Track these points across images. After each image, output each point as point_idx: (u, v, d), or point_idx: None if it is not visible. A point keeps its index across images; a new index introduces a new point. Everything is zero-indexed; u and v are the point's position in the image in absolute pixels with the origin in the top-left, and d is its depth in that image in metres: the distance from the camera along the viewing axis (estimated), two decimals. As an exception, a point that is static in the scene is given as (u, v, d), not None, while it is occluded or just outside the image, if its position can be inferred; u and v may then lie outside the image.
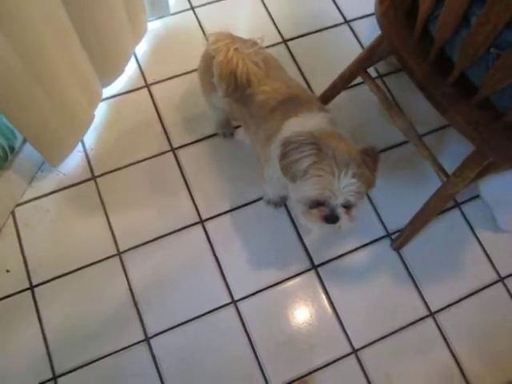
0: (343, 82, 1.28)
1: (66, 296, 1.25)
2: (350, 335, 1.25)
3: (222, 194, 1.38)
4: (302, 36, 1.61)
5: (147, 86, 1.50)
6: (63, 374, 1.18)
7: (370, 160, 0.92)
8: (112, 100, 1.48)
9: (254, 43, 1.10)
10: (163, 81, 1.51)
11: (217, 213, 1.36)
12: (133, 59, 1.53)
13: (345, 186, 0.87)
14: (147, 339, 1.22)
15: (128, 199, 1.36)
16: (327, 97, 1.36)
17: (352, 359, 1.23)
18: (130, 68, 1.52)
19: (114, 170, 1.39)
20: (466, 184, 1.02)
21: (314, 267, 1.32)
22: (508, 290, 1.33)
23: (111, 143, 1.42)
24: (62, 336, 1.21)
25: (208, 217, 1.35)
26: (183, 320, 1.24)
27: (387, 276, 1.32)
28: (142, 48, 1.55)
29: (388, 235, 1.36)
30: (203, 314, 1.25)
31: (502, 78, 0.75)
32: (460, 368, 1.24)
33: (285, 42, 1.59)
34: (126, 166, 1.39)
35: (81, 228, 1.32)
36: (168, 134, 1.44)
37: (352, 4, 1.66)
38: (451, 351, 1.26)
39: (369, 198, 1.40)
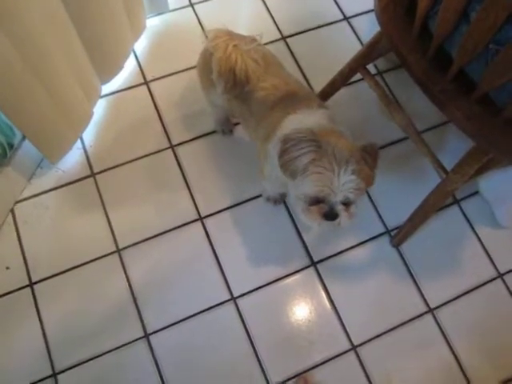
0: (342, 79, 1.28)
1: (65, 293, 1.25)
2: (349, 331, 1.25)
3: (221, 190, 1.38)
4: (302, 33, 1.61)
5: (146, 82, 1.50)
6: (63, 371, 1.18)
7: (369, 157, 0.92)
8: (111, 97, 1.47)
9: (253, 40, 1.09)
10: (162, 77, 1.51)
11: (216, 210, 1.36)
12: (132, 56, 1.53)
13: (344, 182, 0.87)
14: (147, 336, 1.22)
15: (127, 196, 1.36)
16: (326, 93, 1.35)
17: (351, 355, 1.23)
18: (129, 65, 1.51)
19: (114, 167, 1.39)
20: (465, 180, 1.02)
21: (314, 264, 1.32)
22: (507, 287, 1.33)
23: (110, 140, 1.42)
24: (62, 333, 1.21)
25: (207, 214, 1.35)
26: (183, 317, 1.24)
27: (386, 272, 1.32)
28: (140, 45, 1.54)
29: (387, 232, 1.37)
30: (202, 311, 1.25)
31: (501, 74, 0.75)
32: (459, 364, 1.24)
33: (284, 38, 1.59)
34: (125, 163, 1.39)
35: (80, 225, 1.32)
36: (167, 131, 1.44)
37: (351, 0, 1.66)
38: (450, 347, 1.26)
39: (368, 194, 1.40)
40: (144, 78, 1.51)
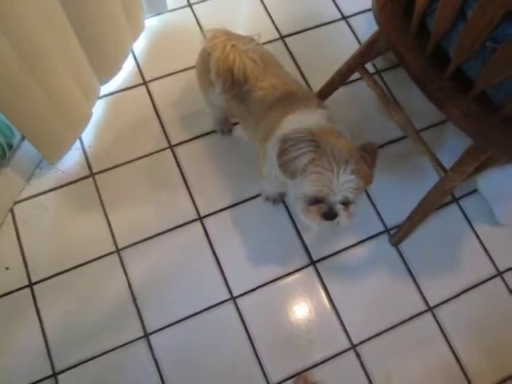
0: (341, 78, 1.28)
1: (65, 293, 1.25)
2: (348, 330, 1.25)
3: (220, 190, 1.38)
4: (300, 32, 1.61)
5: (145, 83, 1.50)
6: (63, 371, 1.18)
7: (368, 156, 0.92)
8: (110, 97, 1.48)
9: (251, 40, 1.09)
10: (161, 78, 1.51)
11: (215, 209, 1.36)
12: (130, 56, 1.53)
13: (343, 182, 0.87)
14: (146, 336, 1.22)
15: (126, 196, 1.36)
16: (325, 93, 1.36)
17: (351, 354, 1.23)
18: (128, 65, 1.52)
19: (113, 168, 1.39)
20: (463, 179, 1.02)
21: (313, 263, 1.32)
22: (506, 284, 1.33)
23: (109, 140, 1.42)
24: (62, 333, 1.22)
25: (207, 213, 1.35)
26: (182, 316, 1.24)
27: (386, 271, 1.32)
28: (139, 45, 1.54)
29: (386, 231, 1.37)
30: (202, 311, 1.25)
31: (499, 72, 0.75)
32: (459, 362, 1.25)
33: (282, 38, 1.59)
34: (124, 163, 1.39)
35: (79, 225, 1.32)
36: (166, 131, 1.44)
37: (349, 0, 1.66)
38: (450, 346, 1.26)
39: (367, 193, 1.40)
40: (143, 78, 1.51)
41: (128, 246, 1.30)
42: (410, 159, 1.44)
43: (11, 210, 1.32)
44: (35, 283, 1.25)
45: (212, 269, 1.29)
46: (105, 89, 1.47)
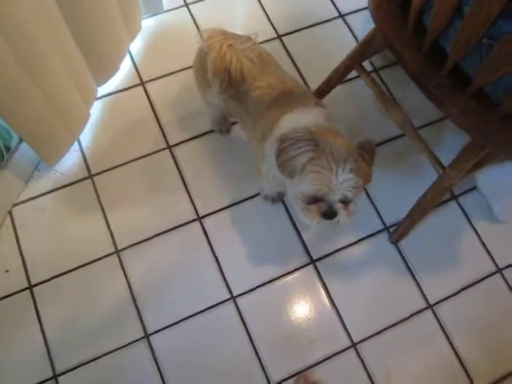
0: (338, 76, 1.28)
1: (65, 295, 1.25)
2: (349, 329, 1.25)
3: (219, 190, 1.38)
4: (297, 31, 1.61)
5: (142, 83, 1.50)
6: (63, 373, 1.18)
7: (366, 154, 0.92)
8: (107, 98, 1.47)
9: (248, 39, 1.09)
10: (158, 78, 1.51)
11: (214, 209, 1.36)
12: (127, 57, 1.52)
13: (342, 181, 0.87)
14: (147, 336, 1.22)
15: (125, 197, 1.36)
16: (323, 91, 1.35)
17: (351, 353, 1.24)
18: (125, 66, 1.51)
19: (111, 169, 1.39)
20: (462, 176, 1.02)
21: (313, 262, 1.32)
22: (506, 281, 1.33)
23: (107, 142, 1.42)
24: (62, 334, 1.22)
25: (205, 213, 1.35)
26: (182, 317, 1.24)
27: (385, 269, 1.32)
28: (136, 46, 1.54)
29: (386, 229, 1.37)
30: (202, 311, 1.25)
31: (496, 69, 0.75)
32: (459, 359, 1.25)
33: (279, 37, 1.59)
34: (122, 164, 1.39)
35: (78, 227, 1.32)
36: (164, 132, 1.44)
37: (346, -2, 1.66)
38: (450, 343, 1.26)
39: (366, 191, 1.40)
40: (140, 78, 1.50)
41: (127, 247, 1.30)
42: (409, 157, 1.44)
43: (10, 213, 1.32)
44: (35, 285, 1.25)
45: (212, 269, 1.29)
46: (102, 90, 1.47)
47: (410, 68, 0.91)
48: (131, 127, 1.44)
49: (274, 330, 1.25)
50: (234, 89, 1.07)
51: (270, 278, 1.29)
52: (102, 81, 1.44)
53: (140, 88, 1.49)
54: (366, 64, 1.50)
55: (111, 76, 1.46)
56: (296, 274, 1.30)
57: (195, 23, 1.58)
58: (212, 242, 1.32)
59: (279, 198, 1.36)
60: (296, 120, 0.98)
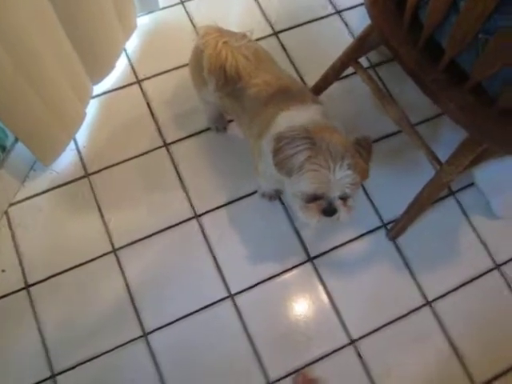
0: (335, 73, 1.28)
1: (62, 294, 1.25)
2: (347, 326, 1.25)
3: (216, 188, 1.37)
4: (293, 27, 1.60)
5: (138, 81, 1.49)
6: (61, 372, 1.18)
7: (363, 150, 0.92)
8: (103, 97, 1.47)
9: (244, 36, 1.08)
10: (154, 76, 1.50)
11: (211, 207, 1.35)
12: (123, 55, 1.51)
13: (340, 178, 0.87)
14: (145, 335, 1.22)
15: (122, 196, 1.35)
16: (319, 88, 1.35)
17: (350, 350, 1.23)
18: (121, 64, 1.50)
19: (108, 167, 1.38)
20: (459, 172, 1.02)
21: (310, 259, 1.32)
22: (504, 277, 1.33)
23: (104, 140, 1.41)
24: (60, 334, 1.21)
25: (203, 211, 1.35)
26: (181, 315, 1.24)
27: (383, 266, 1.32)
28: (132, 44, 1.53)
29: (383, 225, 1.36)
30: (200, 309, 1.25)
31: (492, 64, 0.75)
32: (458, 356, 1.25)
33: (276, 33, 1.58)
34: (119, 163, 1.39)
35: (75, 226, 1.31)
36: (160, 130, 1.43)
37: (342, -6, 1.65)
38: (449, 339, 1.26)
39: (363, 188, 1.40)
40: (136, 77, 1.50)
41: (124, 246, 1.30)
42: (406, 153, 1.43)
43: (6, 213, 1.32)
44: (32, 285, 1.25)
45: (209, 267, 1.29)
46: (98, 88, 1.46)
47: (407, 64, 0.90)
48: (127, 126, 1.43)
49: (272, 327, 1.24)
50: (230, 86, 1.06)
51: (268, 275, 1.29)
52: (97, 80, 1.43)
53: (136, 86, 1.49)
54: (363, 60, 1.50)
55: (107, 75, 1.46)
56: (294, 272, 1.30)
57: (191, 21, 1.57)
58: (209, 240, 1.32)
59: (276, 196, 1.36)
60: (292, 117, 0.98)
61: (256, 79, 1.06)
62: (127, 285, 1.26)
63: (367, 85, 1.19)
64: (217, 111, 1.36)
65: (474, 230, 1.38)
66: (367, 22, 1.05)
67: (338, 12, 1.63)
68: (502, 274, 1.33)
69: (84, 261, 1.28)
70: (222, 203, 1.36)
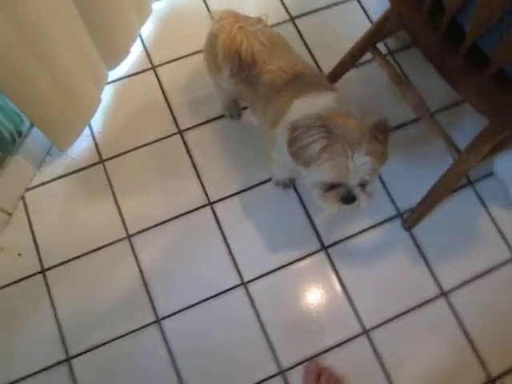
0: (352, 59, 1.25)
1: (77, 279, 1.26)
2: (361, 316, 1.24)
3: (230, 175, 1.36)
4: (310, 13, 1.57)
5: (153, 67, 1.48)
6: (76, 356, 1.20)
7: (380, 134, 0.90)
8: (118, 83, 1.46)
9: (259, 21, 1.07)
10: (169, 62, 1.49)
11: (225, 195, 1.35)
12: (138, 41, 1.51)
13: (359, 165, 0.86)
14: (158, 321, 1.23)
15: (136, 182, 1.35)
16: (336, 74, 1.33)
17: (363, 340, 1.23)
18: (136, 50, 1.50)
19: (122, 154, 1.38)
20: (478, 160, 0.99)
21: (324, 248, 1.30)
22: (522, 269, 1.31)
23: (118, 126, 1.41)
24: (74, 318, 1.23)
25: (216, 199, 1.34)
26: (193, 302, 1.24)
27: (398, 256, 1.30)
28: (146, 29, 1.52)
29: (399, 215, 1.34)
30: (213, 296, 1.25)
31: (516, 48, 0.72)
32: (473, 348, 1.23)
33: (292, 19, 1.56)
34: (133, 149, 1.39)
35: (90, 211, 1.32)
36: (175, 116, 1.43)
37: (361, -21, 1.62)
38: (464, 331, 1.24)
39: (379, 177, 1.38)
40: (151, 62, 1.49)
41: (138, 232, 1.31)
42: (423, 142, 1.40)
43: (23, 197, 1.33)
44: (47, 269, 1.26)
45: (222, 254, 1.29)
46: (113, 74, 1.46)
47: (427, 49, 0.88)
48: (142, 112, 1.43)
49: (285, 316, 1.24)
50: (245, 72, 1.05)
51: (281, 264, 1.29)
52: (112, 65, 1.43)
53: (151, 72, 1.48)
54: (381, 47, 1.46)
55: (122, 60, 1.45)
56: (307, 261, 1.29)
57: (206, 6, 1.56)
58: (223, 228, 1.31)
59: (291, 184, 1.35)
60: (307, 105, 0.96)
61: (271, 65, 1.04)
62: (141, 271, 1.27)
63: (385, 70, 1.16)
64: (231, 98, 1.35)
65: (493, 220, 1.35)
66: (385, 8, 1.02)
67: (356, -3, 1.60)
68: (521, 266, 1.31)
69: (98, 246, 1.29)
70: (236, 191, 1.35)
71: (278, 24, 1.54)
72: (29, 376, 1.18)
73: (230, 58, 1.01)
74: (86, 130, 1.40)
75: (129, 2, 1.32)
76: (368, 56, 1.24)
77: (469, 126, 1.36)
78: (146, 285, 1.26)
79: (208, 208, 1.33)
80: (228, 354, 1.20)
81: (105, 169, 1.37)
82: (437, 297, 1.27)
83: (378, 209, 1.35)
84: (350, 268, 1.29)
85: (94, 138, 1.40)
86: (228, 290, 1.26)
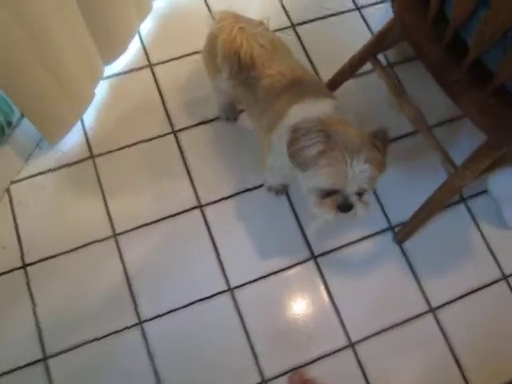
0: (352, 68, 1.25)
1: (59, 276, 1.23)
2: (347, 328, 1.22)
3: (222, 178, 1.34)
4: (312, 21, 1.57)
5: (150, 65, 1.47)
6: (53, 356, 1.16)
7: (379, 142, 0.89)
8: (114, 79, 1.44)
9: (260, 23, 1.06)
10: (167, 61, 1.47)
11: (216, 198, 1.33)
12: (136, 38, 1.49)
13: (358, 173, 0.85)
14: (140, 323, 1.20)
15: (126, 180, 1.33)
16: (335, 83, 1.32)
17: (349, 352, 1.20)
18: (134, 47, 1.48)
19: (114, 151, 1.36)
20: (475, 176, 0.99)
21: (314, 257, 1.29)
22: (511, 289, 1.30)
23: (111, 123, 1.39)
24: (54, 316, 1.19)
25: (207, 202, 1.32)
26: (178, 306, 1.22)
27: (388, 269, 1.29)
28: (146, 27, 1.50)
29: (390, 228, 1.33)
30: (198, 300, 1.22)
31: (520, 63, 0.72)
32: (459, 366, 1.21)
33: (293, 26, 1.55)
34: (125, 147, 1.36)
35: (77, 207, 1.29)
36: (170, 116, 1.41)
37: (364, -10, 1.62)
38: (450, 349, 1.23)
39: (373, 189, 1.37)
40: (148, 60, 1.47)
41: (125, 232, 1.28)
42: (419, 156, 1.40)
43: (8, 190, 1.30)
44: (29, 264, 1.23)
45: (210, 258, 1.27)
46: (109, 70, 1.43)
47: (429, 60, 0.87)
48: (136, 109, 1.41)
49: (271, 324, 1.22)
50: (244, 74, 1.04)
51: (270, 271, 1.26)
52: (109, 60, 1.41)
53: (148, 70, 1.46)
54: (380, 59, 1.45)
55: (119, 55, 1.43)
56: (296, 269, 1.27)
57: (207, 6, 1.54)
58: (212, 232, 1.29)
59: (283, 190, 1.33)
60: (305, 110, 0.95)
61: (270, 69, 1.03)
62: (125, 271, 1.24)
63: (384, 81, 1.15)
64: (229, 100, 1.33)
65: (484, 238, 1.34)
66: (386, 20, 1.02)
67: (358, 8, 1.60)
68: (510, 286, 1.30)
69: (83, 243, 1.26)
70: (228, 195, 1.33)
71: (278, 30, 1.53)
72: (3, 374, 1.14)
73: (229, 58, 1.00)
74: (78, 125, 1.37)
75: (129, -3, 1.31)
76: (367, 67, 1.24)
77: (465, 142, 1.36)
78: (130, 286, 1.23)
79: (198, 211, 1.31)
80: (211, 360, 1.18)
81: (95, 165, 1.34)
82: (425, 313, 1.26)
83: (369, 220, 1.33)
84: (338, 279, 1.27)
85: (85, 133, 1.37)
86: (214, 295, 1.23)
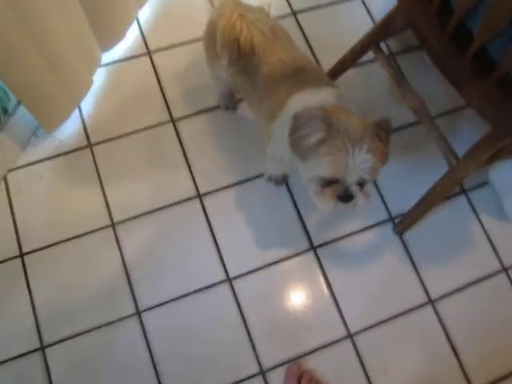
0: (353, 56, 1.23)
1: (56, 265, 1.22)
2: (346, 319, 1.22)
3: (221, 168, 1.33)
4: (313, 9, 1.54)
5: (149, 53, 1.44)
6: (51, 345, 1.15)
7: (382, 132, 0.87)
8: (111, 66, 1.42)
9: (261, 10, 1.05)
10: (166, 49, 1.45)
11: (215, 187, 1.31)
12: (135, 25, 1.46)
13: (359, 162, 0.83)
14: (138, 313, 1.19)
15: (124, 169, 1.31)
16: (336, 71, 1.30)
17: (347, 343, 1.20)
18: (132, 34, 1.45)
19: (112, 139, 1.34)
20: (476, 167, 0.97)
21: (313, 248, 1.28)
22: (511, 281, 1.29)
23: (109, 111, 1.37)
24: (52, 306, 1.19)
25: (206, 191, 1.31)
26: (176, 295, 1.21)
27: (388, 261, 1.28)
28: (144, 14, 1.48)
29: (391, 219, 1.32)
30: (197, 291, 1.22)
31: (526, 52, 0.70)
32: (457, 357, 1.21)
33: (294, 14, 1.53)
34: (123, 135, 1.35)
35: (74, 196, 1.28)
36: (168, 104, 1.39)
37: (366, -22, 1.59)
38: (449, 340, 1.23)
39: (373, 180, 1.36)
40: (147, 48, 1.45)
41: (123, 221, 1.27)
42: (420, 147, 1.39)
43: (5, 178, 1.28)
44: (26, 254, 1.22)
45: (209, 248, 1.26)
46: (107, 57, 1.41)
47: (433, 49, 0.86)
48: (135, 97, 1.39)
49: (269, 315, 1.21)
50: (243, 61, 1.02)
51: (268, 261, 1.26)
52: (107, 47, 1.39)
53: (146, 58, 1.44)
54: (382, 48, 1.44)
55: (117, 42, 1.41)
56: (295, 260, 1.27)
57: (207, -8, 1.52)
58: (211, 221, 1.28)
59: (283, 181, 1.32)
60: (306, 99, 0.94)
61: (271, 57, 1.01)
62: (123, 260, 1.23)
63: (386, 71, 1.14)
64: (228, 89, 1.32)
65: (484, 230, 1.33)
66: (389, 8, 1.00)
67: (361, -4, 1.57)
68: (509, 278, 1.30)
69: (81, 233, 1.25)
70: (227, 184, 1.32)
71: (279, 17, 1.50)
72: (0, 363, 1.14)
73: (228, 45, 0.98)
74: (76, 113, 1.36)
75: (128, -17, 1.28)
76: (368, 56, 1.22)
77: (467, 133, 1.35)
78: (127, 275, 1.22)
79: (197, 200, 1.30)
80: (209, 350, 1.17)
81: (93, 153, 1.32)
82: (424, 304, 1.25)
83: (369, 211, 1.32)
84: (338, 269, 1.27)
85: (83, 121, 1.36)
86: (212, 285, 1.23)
